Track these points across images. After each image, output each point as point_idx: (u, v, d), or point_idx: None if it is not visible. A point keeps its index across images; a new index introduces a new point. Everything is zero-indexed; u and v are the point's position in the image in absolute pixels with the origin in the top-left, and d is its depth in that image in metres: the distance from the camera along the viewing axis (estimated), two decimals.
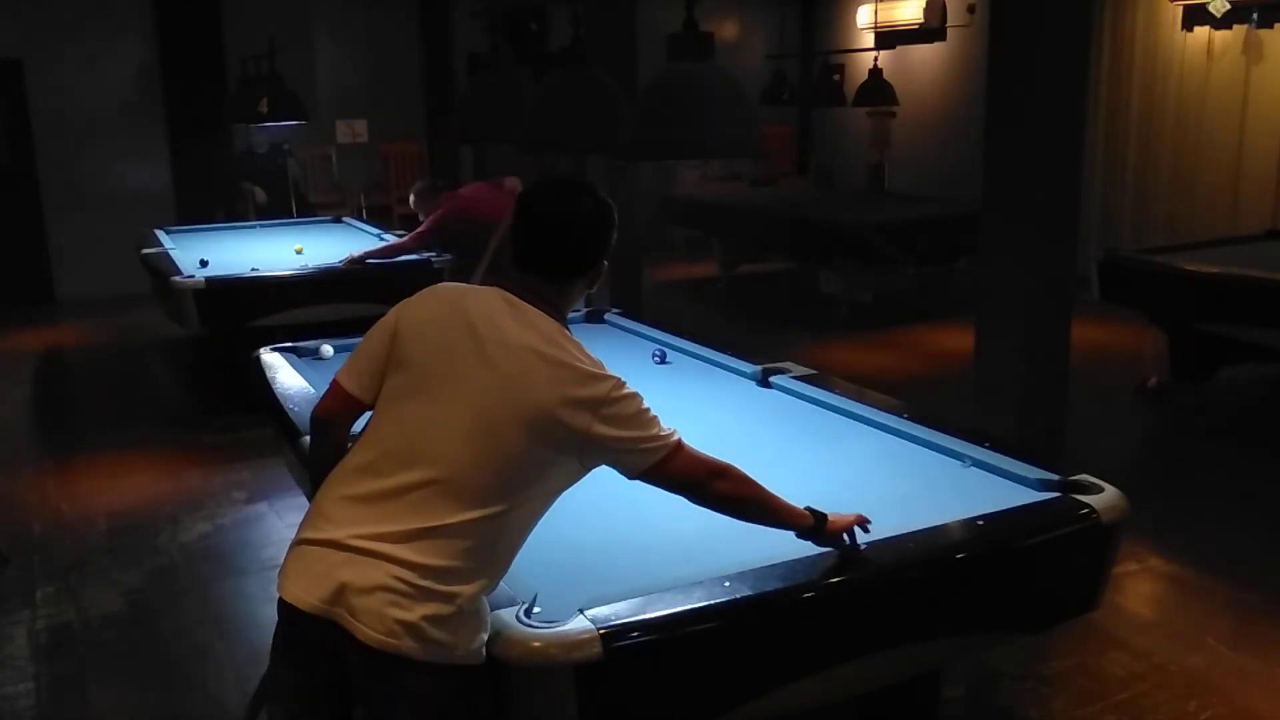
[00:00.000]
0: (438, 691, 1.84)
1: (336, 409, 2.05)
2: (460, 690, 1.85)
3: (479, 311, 1.98)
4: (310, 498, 2.06)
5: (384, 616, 1.79)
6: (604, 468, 1.99)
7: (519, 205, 2.09)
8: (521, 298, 2.02)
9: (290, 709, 2.02)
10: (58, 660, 3.57)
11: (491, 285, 2.08)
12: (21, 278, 9.20)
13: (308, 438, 2.17)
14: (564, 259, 2.07)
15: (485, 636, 1.86)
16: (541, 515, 1.98)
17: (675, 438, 1.99)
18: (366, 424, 2.00)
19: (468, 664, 1.84)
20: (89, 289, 9.10)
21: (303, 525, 1.96)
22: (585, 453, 1.92)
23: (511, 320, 1.97)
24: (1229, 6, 7.85)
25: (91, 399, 6.80)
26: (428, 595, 1.80)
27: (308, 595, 1.85)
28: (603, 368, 1.97)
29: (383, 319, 2.05)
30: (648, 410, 1.97)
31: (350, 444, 2.02)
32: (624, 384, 1.96)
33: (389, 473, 1.89)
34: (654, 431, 1.96)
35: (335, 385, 2.04)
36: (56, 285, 9.32)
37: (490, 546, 1.88)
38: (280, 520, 4.61)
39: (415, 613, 1.79)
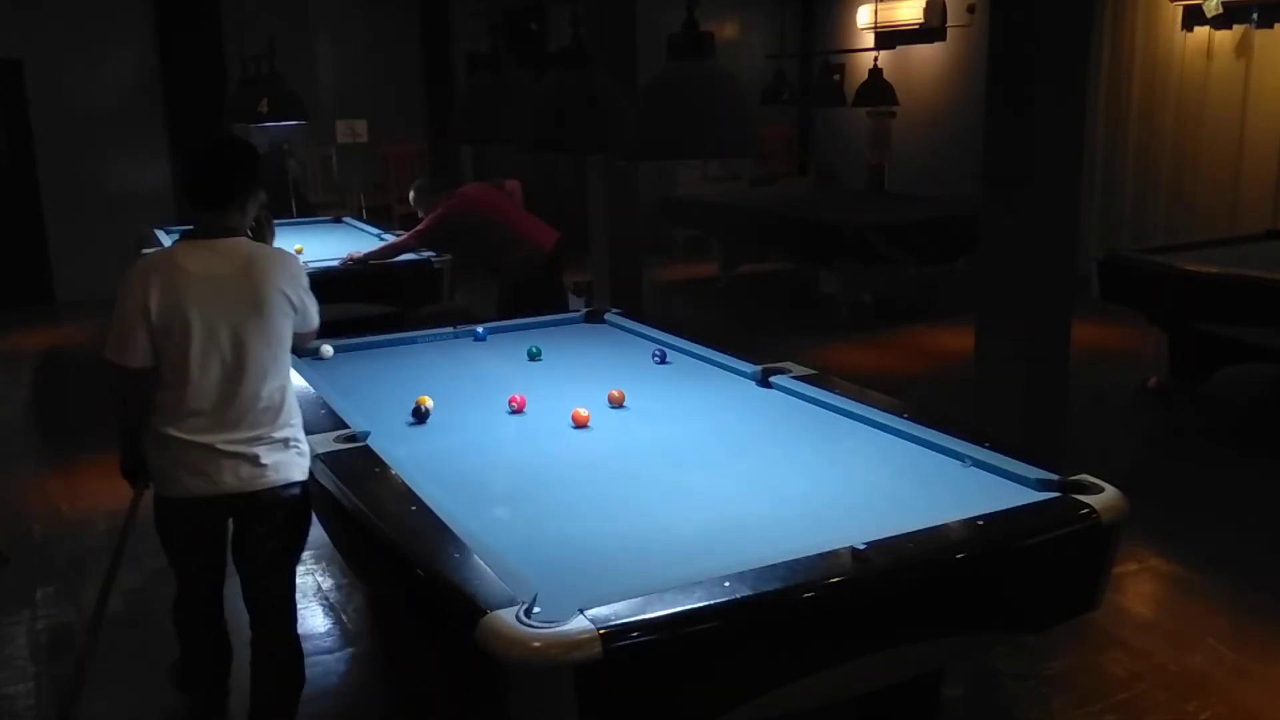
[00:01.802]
0: (299, 495, 2.82)
1: (141, 382, 2.70)
2: (308, 492, 2.84)
3: (191, 262, 2.68)
4: (128, 434, 2.84)
5: (261, 473, 2.73)
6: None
7: (184, 163, 2.72)
8: (208, 235, 2.73)
9: (203, 577, 2.94)
10: (58, 660, 3.57)
11: (182, 238, 2.79)
12: (21, 278, 9.20)
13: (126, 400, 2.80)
14: (222, 192, 2.73)
15: (308, 455, 2.84)
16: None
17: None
18: (167, 371, 2.68)
19: (307, 476, 2.82)
20: (89, 289, 9.08)
21: (168, 450, 2.71)
22: (297, 313, 2.78)
23: (213, 256, 2.70)
24: (1221, 10, 7.86)
25: (91, 399, 6.79)
26: (276, 448, 2.75)
27: (211, 488, 2.71)
28: (288, 252, 2.87)
29: (129, 303, 2.65)
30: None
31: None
32: (301, 266, 2.85)
33: (211, 395, 2.68)
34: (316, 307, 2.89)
35: (127, 370, 2.68)
36: (56, 285, 9.33)
37: (289, 398, 2.82)
38: None
39: (275, 458, 2.74)
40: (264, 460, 2.72)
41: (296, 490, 2.81)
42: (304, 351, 3.91)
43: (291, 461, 2.79)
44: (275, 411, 2.75)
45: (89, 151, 9.21)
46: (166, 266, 2.68)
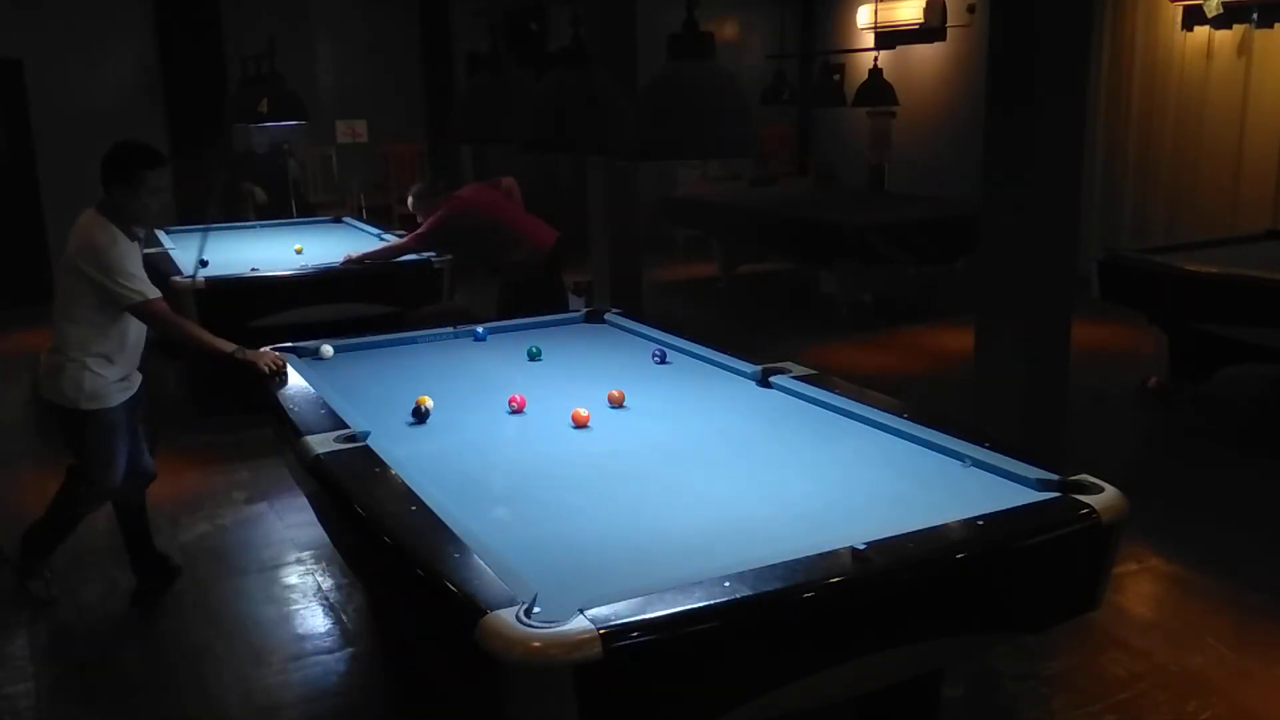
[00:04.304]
0: (67, 419, 3.68)
1: None
2: (74, 421, 3.68)
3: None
4: None
5: (46, 383, 3.67)
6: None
7: None
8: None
9: None
10: (58, 660, 3.57)
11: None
12: (21, 278, 9.18)
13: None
14: (104, 177, 3.70)
15: (80, 396, 3.63)
16: (109, 324, 3.62)
17: (150, 296, 3.61)
18: None
19: (73, 408, 3.64)
20: None
21: None
22: (103, 287, 3.53)
23: (80, 221, 3.66)
24: (1221, 10, 7.85)
25: None
26: (53, 370, 3.64)
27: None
28: (97, 231, 3.58)
29: None
30: (135, 274, 3.59)
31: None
32: (120, 251, 3.56)
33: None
34: (134, 286, 3.56)
35: None
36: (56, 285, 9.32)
37: (80, 343, 3.60)
38: (280, 520, 4.61)
39: (50, 380, 3.65)
40: (49, 376, 3.64)
41: (66, 415, 3.64)
42: (304, 351, 3.92)
43: (60, 388, 3.62)
44: (63, 340, 3.61)
45: (89, 151, 9.12)
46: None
